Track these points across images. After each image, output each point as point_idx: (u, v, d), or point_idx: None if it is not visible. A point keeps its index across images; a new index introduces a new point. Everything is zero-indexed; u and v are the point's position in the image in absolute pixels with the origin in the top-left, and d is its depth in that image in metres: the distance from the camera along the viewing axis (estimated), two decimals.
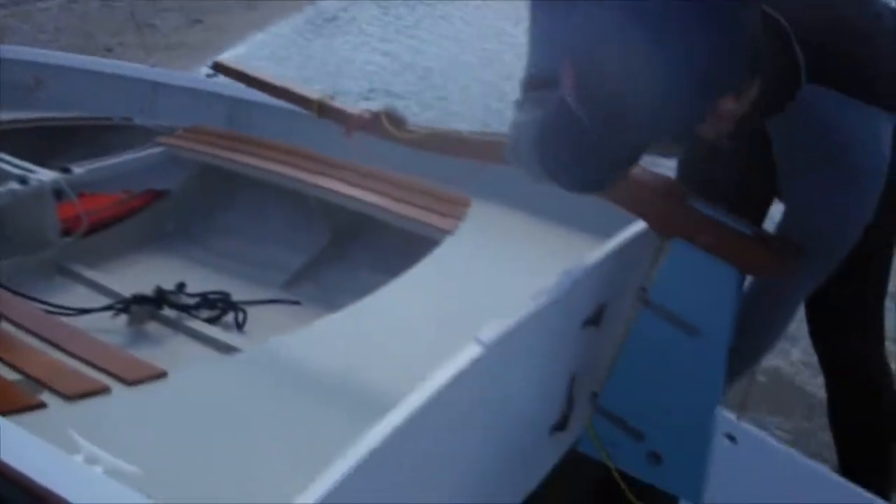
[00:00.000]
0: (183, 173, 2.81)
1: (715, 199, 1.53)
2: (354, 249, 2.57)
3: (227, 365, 1.77)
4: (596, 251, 1.54)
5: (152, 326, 2.20)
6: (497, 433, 1.45)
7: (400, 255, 2.13)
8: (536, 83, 1.54)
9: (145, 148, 2.76)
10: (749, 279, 1.59)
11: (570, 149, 1.31)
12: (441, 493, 1.31)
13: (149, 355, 1.77)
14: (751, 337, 1.55)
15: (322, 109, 1.92)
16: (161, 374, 1.57)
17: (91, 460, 1.23)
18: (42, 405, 1.45)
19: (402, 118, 1.82)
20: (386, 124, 1.79)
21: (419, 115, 4.13)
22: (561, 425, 1.64)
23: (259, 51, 5.90)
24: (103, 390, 1.50)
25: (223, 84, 2.93)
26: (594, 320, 1.57)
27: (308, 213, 2.60)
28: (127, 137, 2.89)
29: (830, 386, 1.86)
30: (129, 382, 1.54)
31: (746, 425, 1.56)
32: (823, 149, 1.41)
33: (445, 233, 2.21)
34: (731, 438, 1.54)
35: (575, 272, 1.46)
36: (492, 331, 1.28)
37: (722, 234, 1.44)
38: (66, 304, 2.14)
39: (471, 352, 1.24)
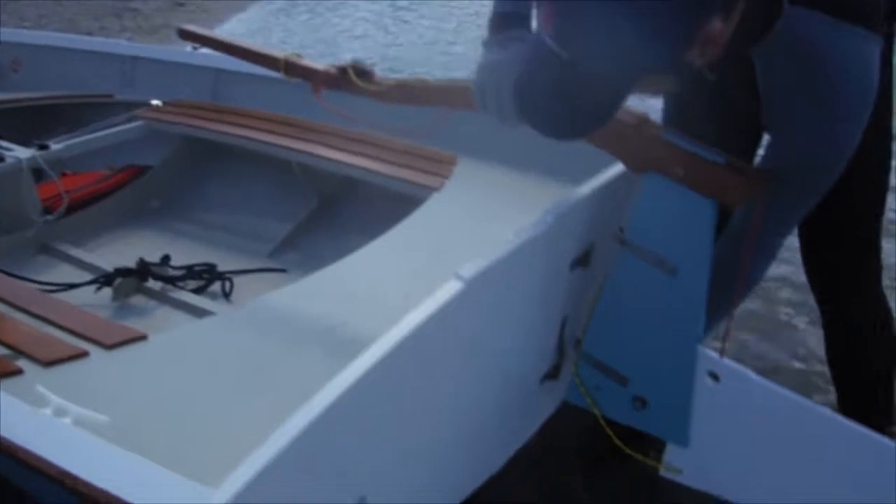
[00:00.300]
0: (165, 147, 2.76)
1: (703, 137, 1.48)
2: (341, 214, 2.53)
3: (207, 325, 1.73)
4: (581, 188, 1.49)
5: (138, 299, 2.16)
6: (484, 380, 1.41)
7: (388, 217, 2.09)
8: (504, 22, 1.48)
9: (125, 122, 2.71)
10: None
11: (554, 92, 1.24)
12: (423, 441, 1.27)
13: (134, 326, 1.73)
14: (733, 278, 1.50)
15: (289, 67, 1.87)
16: (141, 337, 1.54)
17: (59, 413, 1.19)
18: (19, 371, 1.42)
19: (369, 71, 1.77)
20: (353, 78, 1.74)
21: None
22: (553, 374, 1.60)
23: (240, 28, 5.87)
24: (81, 355, 1.47)
25: (205, 56, 2.88)
26: (583, 261, 1.52)
27: (294, 181, 2.56)
28: (108, 114, 2.84)
29: (827, 324, 1.82)
30: (108, 346, 1.50)
31: (729, 362, 1.51)
32: (807, 72, 1.36)
33: (433, 190, 2.17)
34: (714, 377, 1.49)
35: (558, 208, 1.42)
36: (472, 266, 1.23)
37: (694, 165, 1.40)
38: (49, 281, 2.11)
39: (450, 288, 1.19)
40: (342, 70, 1.75)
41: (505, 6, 1.49)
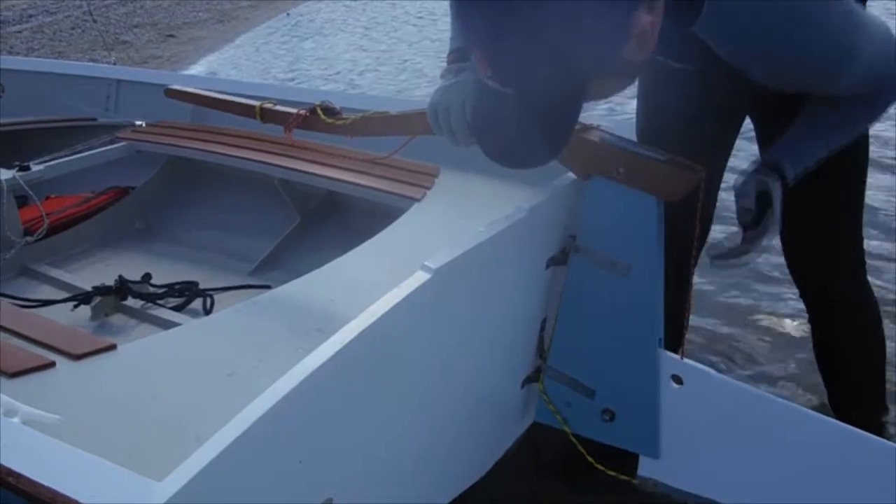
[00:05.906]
0: (147, 168, 2.74)
1: (680, 128, 1.45)
2: (325, 229, 2.50)
3: (178, 333, 1.68)
4: (555, 183, 1.47)
5: (117, 318, 2.13)
6: (460, 379, 1.36)
7: (371, 230, 2.06)
8: (459, 56, 1.51)
9: (108, 144, 2.69)
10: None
11: (511, 124, 1.21)
12: (395, 442, 1.22)
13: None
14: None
15: (264, 114, 1.99)
16: (110, 347, 1.50)
17: (9, 413, 1.15)
18: None
19: (336, 109, 1.86)
20: (322, 116, 1.83)
21: None
22: (534, 377, 1.56)
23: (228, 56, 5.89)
24: (48, 365, 1.43)
25: (187, 78, 2.88)
26: (559, 260, 1.49)
27: (276, 198, 2.54)
28: (92, 137, 2.83)
29: (815, 322, 1.78)
30: (76, 357, 1.46)
31: (690, 362, 1.46)
32: (758, 18, 1.24)
33: (414, 201, 2.15)
34: (678, 380, 1.44)
35: (530, 201, 1.39)
36: (440, 257, 1.20)
37: (633, 162, 1.39)
38: (26, 298, 2.07)
39: (417, 278, 1.16)
40: (312, 111, 1.86)
41: (459, 42, 1.52)
